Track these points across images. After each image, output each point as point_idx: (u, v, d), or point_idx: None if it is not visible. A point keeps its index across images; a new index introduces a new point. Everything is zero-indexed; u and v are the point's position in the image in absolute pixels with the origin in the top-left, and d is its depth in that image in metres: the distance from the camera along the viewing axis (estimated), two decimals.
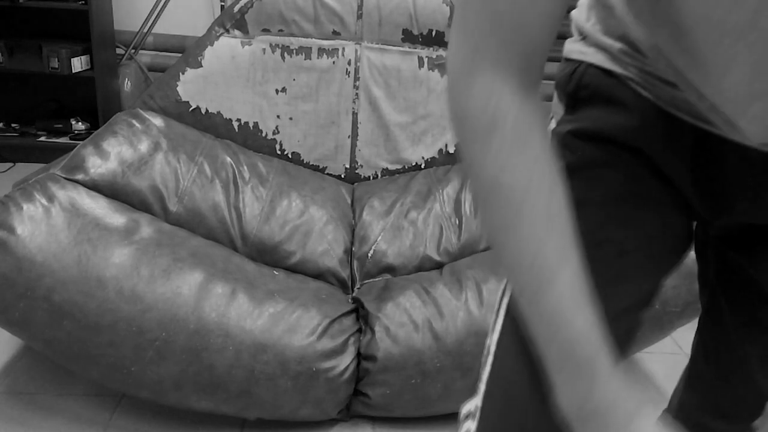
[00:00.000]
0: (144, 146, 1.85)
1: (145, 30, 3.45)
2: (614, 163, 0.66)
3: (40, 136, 3.36)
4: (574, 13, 0.73)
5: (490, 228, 0.56)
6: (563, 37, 0.73)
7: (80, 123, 3.40)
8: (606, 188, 0.63)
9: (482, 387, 0.69)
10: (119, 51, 3.46)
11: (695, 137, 0.64)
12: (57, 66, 3.17)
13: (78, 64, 3.22)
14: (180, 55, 2.84)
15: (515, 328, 0.65)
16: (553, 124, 0.73)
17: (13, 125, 3.44)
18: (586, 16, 0.70)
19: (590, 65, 0.68)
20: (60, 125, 3.37)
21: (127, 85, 3.43)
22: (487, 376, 0.69)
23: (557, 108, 0.73)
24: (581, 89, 0.68)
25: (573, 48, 0.71)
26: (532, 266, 0.54)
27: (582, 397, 0.54)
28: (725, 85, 0.52)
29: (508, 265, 0.56)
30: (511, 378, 0.66)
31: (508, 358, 0.66)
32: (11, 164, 3.34)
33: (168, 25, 3.48)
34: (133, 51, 3.47)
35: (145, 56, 3.53)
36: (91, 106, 3.28)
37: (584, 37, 0.70)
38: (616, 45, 0.65)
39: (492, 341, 0.69)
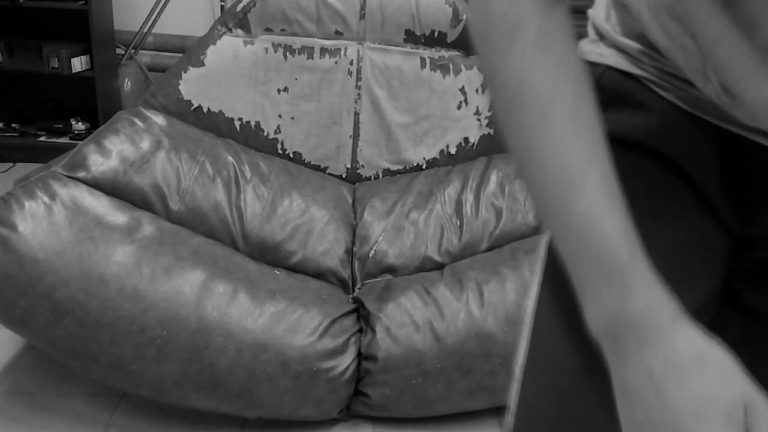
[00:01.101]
0: (146, 145, 1.85)
1: (145, 30, 3.45)
2: (636, 169, 0.63)
3: (40, 136, 3.36)
4: (591, 12, 0.70)
5: (514, 138, 0.54)
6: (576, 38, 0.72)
7: (80, 123, 3.40)
8: (629, 196, 0.58)
9: (511, 419, 0.66)
10: (119, 51, 3.46)
11: (723, 140, 0.61)
12: (57, 66, 3.17)
13: (78, 64, 3.22)
14: (180, 55, 2.84)
15: (544, 351, 0.62)
16: None
17: (13, 125, 3.43)
18: (606, 14, 0.67)
19: (608, 67, 0.65)
20: (60, 125, 3.37)
21: (127, 85, 3.43)
22: (516, 406, 0.66)
23: None
24: (598, 91, 0.64)
25: (589, 50, 0.68)
26: (559, 171, 0.51)
27: (615, 308, 0.50)
28: (759, 38, 0.49)
29: (533, 175, 0.53)
30: (541, 405, 0.63)
31: (537, 384, 0.63)
32: (11, 164, 3.33)
33: (168, 25, 3.48)
34: (133, 51, 3.47)
35: (145, 56, 3.53)
36: (91, 106, 3.28)
37: (602, 38, 0.68)
38: (635, 45, 0.63)
39: (519, 366, 0.66)
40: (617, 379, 0.51)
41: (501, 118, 0.55)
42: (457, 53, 2.22)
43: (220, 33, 2.14)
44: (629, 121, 0.63)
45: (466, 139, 2.23)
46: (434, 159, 2.24)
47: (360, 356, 1.62)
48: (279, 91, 2.17)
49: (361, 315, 1.69)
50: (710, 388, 0.47)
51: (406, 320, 1.63)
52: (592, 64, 0.68)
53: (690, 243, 0.63)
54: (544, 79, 0.51)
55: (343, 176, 2.25)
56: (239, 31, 2.15)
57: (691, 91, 0.60)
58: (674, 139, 0.62)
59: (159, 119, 1.97)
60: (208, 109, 2.12)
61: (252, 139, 2.16)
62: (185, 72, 2.11)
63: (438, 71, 2.21)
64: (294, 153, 2.21)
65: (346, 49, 2.19)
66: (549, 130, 0.52)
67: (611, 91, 0.64)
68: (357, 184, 2.23)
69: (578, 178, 0.51)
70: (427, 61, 2.20)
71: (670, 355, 0.48)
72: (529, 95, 0.52)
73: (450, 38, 2.20)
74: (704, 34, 0.52)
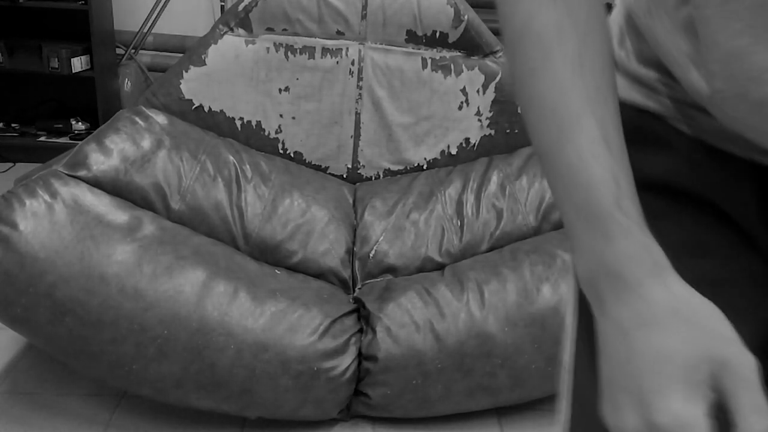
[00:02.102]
0: (147, 143, 1.85)
1: (145, 30, 3.45)
2: (667, 212, 0.59)
3: (40, 136, 3.35)
4: None
5: (517, 79, 0.53)
6: None
7: (80, 123, 3.40)
8: (663, 240, 0.53)
9: None
10: (119, 51, 3.46)
11: (754, 171, 0.58)
12: (57, 66, 3.17)
13: (78, 64, 3.21)
14: (180, 55, 2.84)
15: (589, 392, 0.58)
16: None
17: (13, 125, 3.42)
18: (619, 39, 0.64)
19: (623, 103, 0.60)
20: (60, 125, 3.36)
21: (127, 85, 3.43)
22: None
23: None
24: None
25: None
26: (553, 114, 0.50)
27: (595, 258, 0.48)
28: None
29: (531, 119, 0.53)
30: None
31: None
32: (11, 164, 3.33)
33: (168, 25, 3.48)
34: (133, 51, 3.46)
35: (145, 56, 3.53)
36: (91, 106, 3.27)
37: (615, 65, 0.64)
38: (651, 74, 0.61)
39: (564, 405, 0.63)
40: (599, 334, 0.49)
41: (508, 62, 0.55)
42: (459, 54, 2.22)
43: (222, 32, 2.14)
44: (651, 161, 0.60)
45: (467, 140, 2.23)
46: (435, 159, 2.24)
47: (360, 356, 1.62)
48: (280, 90, 2.17)
49: (362, 315, 1.69)
50: (675, 342, 0.44)
51: (407, 320, 1.63)
52: None
53: (736, 282, 0.59)
54: (550, 22, 0.51)
55: (344, 176, 2.25)
56: (241, 31, 2.15)
57: (712, 121, 0.57)
58: (703, 175, 0.60)
59: (160, 118, 1.97)
60: (210, 109, 2.12)
61: (253, 138, 2.16)
62: (186, 71, 2.11)
63: (439, 72, 2.21)
64: (295, 153, 2.21)
65: (347, 49, 2.19)
66: (548, 73, 0.51)
67: (630, 129, 0.58)
68: (358, 184, 2.23)
69: (571, 122, 0.50)
70: (429, 61, 2.21)
71: (642, 307, 0.46)
72: (533, 38, 0.51)
73: (451, 39, 2.20)
74: (740, 2, 0.50)
